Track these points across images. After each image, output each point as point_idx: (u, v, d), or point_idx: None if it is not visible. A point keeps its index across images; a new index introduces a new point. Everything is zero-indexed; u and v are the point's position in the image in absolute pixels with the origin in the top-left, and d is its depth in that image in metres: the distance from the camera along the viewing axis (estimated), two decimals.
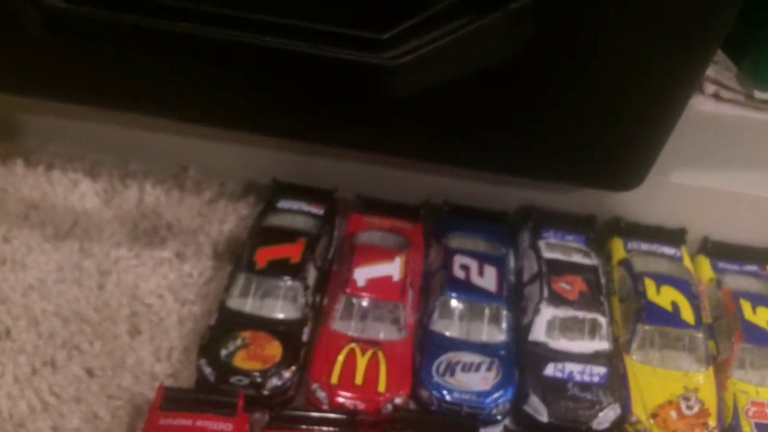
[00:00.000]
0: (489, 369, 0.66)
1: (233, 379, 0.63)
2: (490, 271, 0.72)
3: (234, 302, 0.69)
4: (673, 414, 0.65)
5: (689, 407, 0.66)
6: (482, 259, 0.73)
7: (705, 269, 0.78)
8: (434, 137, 0.68)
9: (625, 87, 0.62)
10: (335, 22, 0.52)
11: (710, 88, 0.79)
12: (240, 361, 0.64)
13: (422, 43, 0.51)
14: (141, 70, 0.64)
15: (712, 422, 0.65)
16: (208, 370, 0.64)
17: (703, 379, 0.67)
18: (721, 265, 0.78)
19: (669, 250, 0.77)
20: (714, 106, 0.79)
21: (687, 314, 0.70)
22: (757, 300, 0.72)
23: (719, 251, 0.79)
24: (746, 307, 0.71)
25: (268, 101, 0.64)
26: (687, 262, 0.77)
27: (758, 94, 0.80)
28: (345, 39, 0.51)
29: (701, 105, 0.78)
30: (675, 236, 0.79)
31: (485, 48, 0.54)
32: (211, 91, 0.65)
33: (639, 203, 0.78)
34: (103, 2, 0.50)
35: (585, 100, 0.63)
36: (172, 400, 0.61)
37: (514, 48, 0.56)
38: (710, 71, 0.78)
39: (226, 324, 0.67)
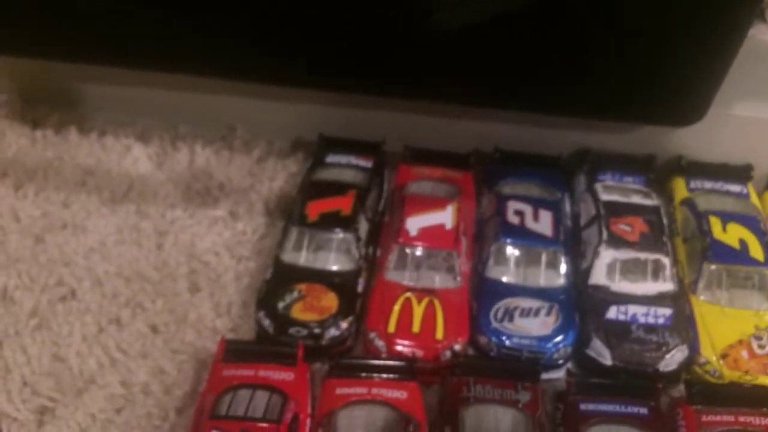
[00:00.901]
0: (548, 314, 0.65)
1: (292, 330, 0.64)
2: (546, 216, 0.70)
3: (288, 256, 0.69)
4: (745, 353, 0.63)
5: (761, 346, 0.63)
6: (537, 204, 0.71)
7: None
8: (480, 78, 0.66)
9: (680, 16, 0.59)
10: None
11: None
12: (297, 312, 0.65)
13: None
14: (177, 25, 0.64)
15: None
16: (267, 323, 0.65)
17: None
18: None
19: (735, 188, 0.74)
20: None
21: (756, 251, 0.67)
22: None
23: None
24: None
25: (313, 49, 0.63)
26: (754, 198, 0.74)
27: None
28: None
29: (764, 34, 0.74)
30: (740, 173, 0.76)
31: None
32: (253, 42, 0.64)
33: (701, 140, 0.75)
34: None
35: (638, 31, 0.60)
36: (234, 352, 0.62)
37: None
38: None
39: (282, 277, 0.68)
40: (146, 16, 0.67)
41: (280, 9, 0.55)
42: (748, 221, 0.69)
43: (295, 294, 0.66)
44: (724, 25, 0.61)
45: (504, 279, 0.67)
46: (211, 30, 0.66)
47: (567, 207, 0.74)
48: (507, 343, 0.63)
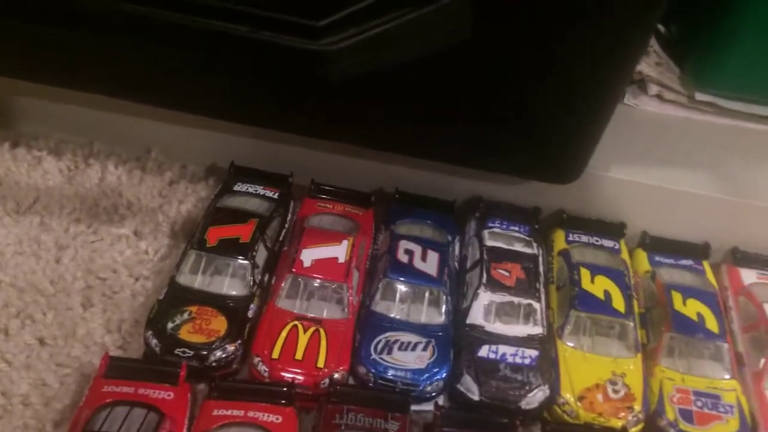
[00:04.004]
0: (425, 348, 0.69)
1: (178, 351, 0.66)
2: (433, 257, 0.74)
3: (184, 278, 0.71)
4: (600, 397, 0.68)
5: (615, 391, 0.68)
6: (426, 245, 0.76)
7: (642, 262, 0.81)
8: (379, 124, 0.71)
9: (558, 85, 0.65)
10: (278, 8, 0.54)
11: (654, 88, 0.82)
12: (186, 333, 0.67)
13: (357, 31, 0.53)
14: (97, 50, 0.67)
15: (637, 406, 0.68)
16: (154, 342, 0.67)
17: (631, 365, 0.70)
18: (658, 258, 0.81)
19: (608, 243, 0.80)
20: (657, 106, 0.82)
21: (618, 303, 0.73)
22: (688, 292, 0.75)
23: (656, 245, 0.82)
24: (677, 298, 0.74)
25: (215, 85, 0.67)
26: (625, 254, 0.80)
27: (699, 96, 0.84)
28: (285, 25, 0.53)
29: (645, 105, 0.81)
30: (615, 229, 0.82)
31: (421, 38, 0.56)
32: (163, 73, 0.67)
33: (582, 197, 0.81)
34: None
35: (519, 94, 0.66)
36: (117, 368, 0.63)
37: (451, 39, 0.59)
38: (654, 73, 0.81)
39: (175, 298, 0.69)
40: (74, 39, 0.68)
41: (199, 48, 0.59)
42: (615, 275, 0.75)
43: (185, 315, 0.68)
44: (598, 93, 0.68)
45: (388, 313, 0.71)
46: (134, 57, 0.68)
47: (456, 249, 0.79)
48: (384, 374, 0.67)
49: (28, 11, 0.56)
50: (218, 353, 0.66)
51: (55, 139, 0.88)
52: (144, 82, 0.71)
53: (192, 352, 0.66)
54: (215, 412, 0.62)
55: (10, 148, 0.86)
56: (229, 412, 0.62)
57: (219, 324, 0.68)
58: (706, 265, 0.81)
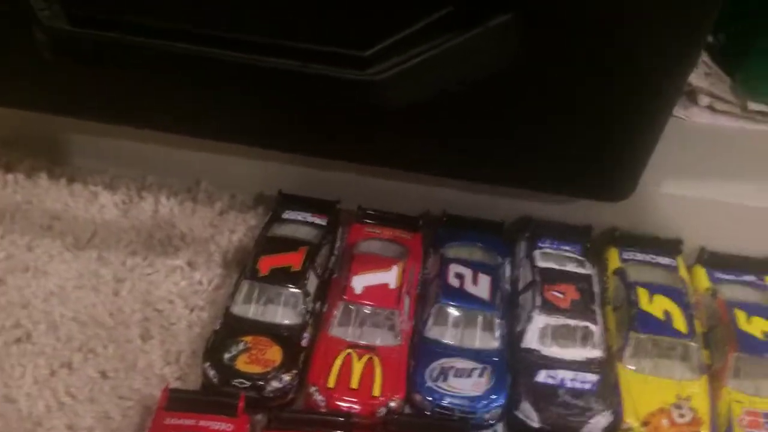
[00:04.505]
0: (481, 375, 0.68)
1: (235, 382, 0.66)
2: (485, 280, 0.74)
3: (238, 308, 0.72)
4: (665, 422, 0.66)
5: (681, 415, 0.66)
6: (477, 268, 0.75)
7: (702, 279, 0.79)
8: (427, 148, 0.71)
9: (610, 100, 0.64)
10: (324, 41, 0.55)
11: (705, 99, 0.80)
12: (242, 364, 0.67)
13: (403, 59, 0.54)
14: (151, 88, 0.69)
15: (705, 430, 0.65)
16: (212, 373, 0.67)
17: (696, 387, 0.68)
18: (718, 275, 0.78)
19: (664, 260, 0.78)
20: (709, 117, 0.80)
21: (679, 323, 0.70)
22: (752, 309, 0.72)
23: (716, 261, 0.79)
24: (741, 316, 0.72)
25: (269, 118, 0.68)
26: (683, 272, 0.78)
27: (752, 105, 0.81)
28: (332, 57, 0.54)
29: (696, 117, 0.79)
30: (671, 246, 0.80)
31: (466, 63, 0.56)
32: (215, 107, 0.68)
33: (636, 214, 0.80)
34: (107, 25, 0.54)
35: (568, 111, 0.65)
36: (177, 400, 0.64)
37: (498, 63, 0.59)
38: (705, 83, 0.79)
39: (230, 329, 0.70)
40: (128, 80, 0.71)
41: (249, 86, 0.60)
42: (674, 294, 0.73)
43: (241, 346, 0.69)
44: (650, 106, 0.66)
45: (441, 339, 0.70)
46: (172, 91, 0.70)
47: (507, 271, 0.78)
48: (440, 402, 0.66)
49: (82, 54, 0.58)
50: (275, 383, 0.67)
51: (109, 174, 0.91)
52: (198, 117, 0.73)
53: (249, 383, 0.66)
54: None
55: (67, 184, 0.89)
56: None
57: (274, 354, 0.69)
58: None
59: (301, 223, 0.81)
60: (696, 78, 0.82)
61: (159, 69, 0.57)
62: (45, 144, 0.92)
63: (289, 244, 0.76)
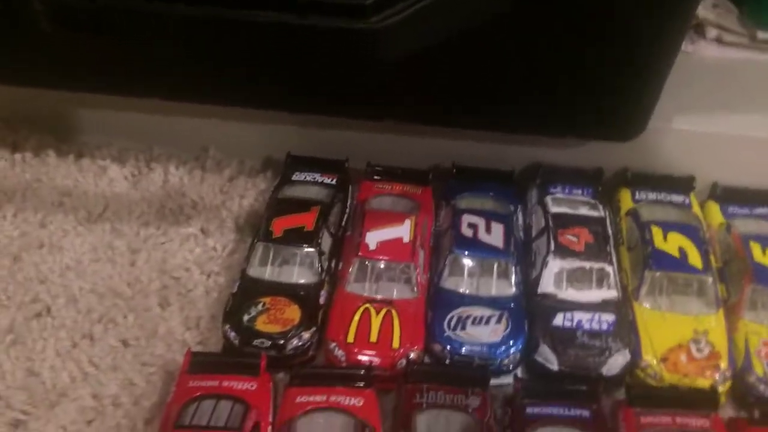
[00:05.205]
0: (498, 321, 0.68)
1: (256, 342, 0.67)
2: (498, 228, 0.74)
3: (254, 270, 0.72)
4: (683, 357, 0.66)
5: (699, 350, 0.67)
6: (489, 217, 0.75)
7: (715, 215, 0.78)
8: (431, 99, 0.70)
9: (617, 37, 0.63)
10: None
11: (712, 32, 0.78)
12: (262, 324, 0.68)
13: (405, 6, 0.53)
14: (152, 55, 0.68)
15: (723, 364, 0.66)
16: (232, 335, 0.68)
17: (713, 322, 0.68)
18: (731, 209, 0.78)
19: (677, 198, 0.78)
20: (716, 50, 0.78)
21: (694, 259, 0.70)
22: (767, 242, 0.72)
23: (729, 196, 0.79)
24: (756, 249, 0.71)
25: (270, 76, 0.67)
26: (696, 208, 0.78)
27: (761, 35, 0.79)
28: (332, 7, 0.53)
29: (704, 50, 0.78)
30: (683, 184, 0.79)
31: (469, 8, 0.55)
32: (215, 69, 0.68)
33: (646, 153, 0.79)
34: None
35: (576, 51, 0.64)
36: (200, 363, 0.65)
37: (500, 6, 0.57)
38: (712, 15, 0.77)
39: (248, 291, 0.71)
40: (129, 49, 0.70)
41: (250, 45, 0.59)
42: (688, 231, 0.72)
43: (260, 307, 0.69)
44: (658, 42, 0.65)
45: (457, 289, 0.71)
46: (184, 57, 0.70)
47: (519, 219, 0.78)
48: (459, 350, 0.67)
49: (81, 23, 0.58)
50: (295, 341, 0.68)
51: (116, 147, 0.91)
52: (195, 80, 0.72)
53: (270, 342, 0.67)
54: (298, 399, 0.63)
55: (75, 160, 0.89)
56: (311, 398, 0.63)
57: (293, 313, 0.69)
58: None
59: (311, 184, 0.81)
60: (703, 10, 0.80)
61: (158, 34, 0.56)
62: (50, 121, 0.92)
63: (301, 205, 0.76)
